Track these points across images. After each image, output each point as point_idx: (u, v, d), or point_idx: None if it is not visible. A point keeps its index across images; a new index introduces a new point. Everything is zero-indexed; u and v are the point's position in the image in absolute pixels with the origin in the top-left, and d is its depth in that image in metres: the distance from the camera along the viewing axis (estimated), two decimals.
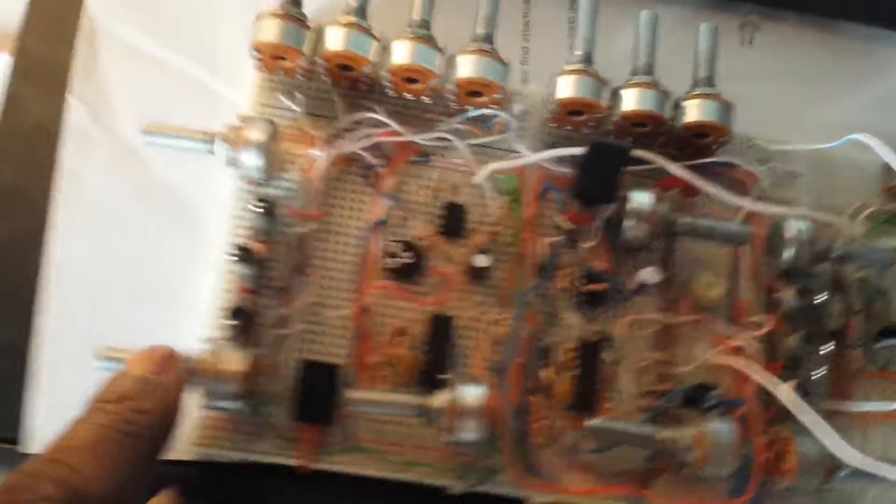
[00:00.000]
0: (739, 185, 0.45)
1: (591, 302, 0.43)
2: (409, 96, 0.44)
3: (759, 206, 0.44)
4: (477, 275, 0.42)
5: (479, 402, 0.37)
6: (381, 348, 0.41)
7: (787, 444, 0.40)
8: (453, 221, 0.43)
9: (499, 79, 0.42)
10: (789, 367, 0.42)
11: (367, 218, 0.42)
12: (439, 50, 0.42)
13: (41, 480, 0.26)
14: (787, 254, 0.42)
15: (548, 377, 0.41)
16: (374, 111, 0.42)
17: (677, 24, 0.48)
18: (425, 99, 0.44)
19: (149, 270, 0.43)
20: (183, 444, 0.38)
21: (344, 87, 0.43)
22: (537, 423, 0.40)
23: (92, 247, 0.42)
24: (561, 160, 0.43)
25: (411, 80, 0.42)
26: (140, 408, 0.30)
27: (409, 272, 0.42)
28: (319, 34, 0.41)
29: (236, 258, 0.38)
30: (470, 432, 0.37)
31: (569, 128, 0.45)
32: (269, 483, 0.40)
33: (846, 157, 0.47)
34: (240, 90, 0.44)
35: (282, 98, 0.43)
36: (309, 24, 0.41)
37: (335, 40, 0.41)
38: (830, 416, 0.42)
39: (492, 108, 0.43)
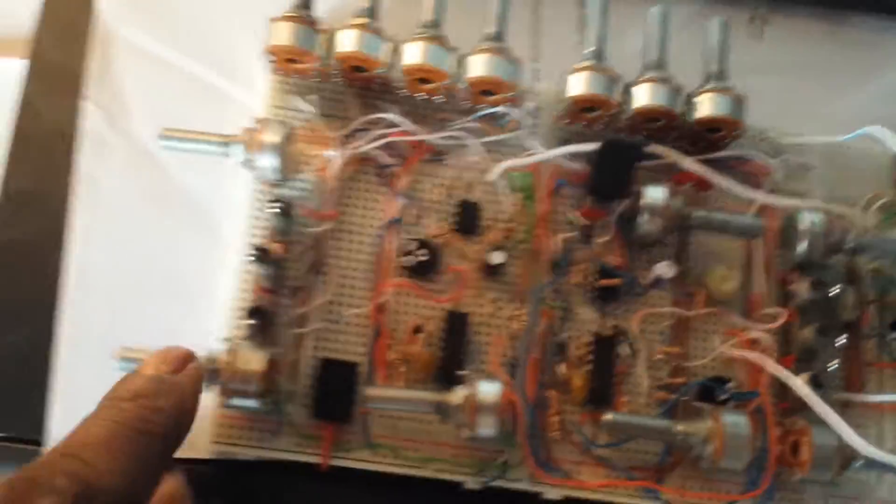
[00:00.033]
0: (752, 178, 0.45)
1: (606, 297, 0.43)
2: (421, 96, 0.43)
3: (772, 199, 0.44)
4: (492, 271, 0.42)
5: (495, 398, 0.37)
6: (398, 345, 0.41)
7: (802, 435, 0.40)
8: (468, 219, 0.43)
9: (511, 77, 0.42)
10: (803, 360, 0.42)
11: (382, 217, 0.42)
12: (451, 49, 0.41)
13: (54, 473, 0.26)
14: (801, 246, 0.42)
15: (564, 373, 0.41)
16: (388, 111, 0.42)
17: (687, 18, 0.48)
18: (438, 98, 0.43)
19: (166, 272, 0.43)
20: (201, 443, 0.38)
21: (357, 88, 0.43)
22: (553, 417, 0.40)
23: (109, 250, 0.43)
24: (574, 156, 0.43)
25: (424, 80, 0.42)
26: (155, 405, 0.30)
27: (424, 270, 0.42)
28: (332, 36, 0.41)
29: (254, 258, 0.38)
30: (487, 428, 0.37)
31: (581, 124, 0.45)
32: (287, 480, 0.40)
33: (858, 149, 0.47)
34: (253, 93, 0.45)
35: (296, 100, 0.43)
36: (321, 26, 0.41)
37: (347, 42, 0.41)
38: (845, 408, 0.43)
39: (504, 106, 0.43)
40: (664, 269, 0.41)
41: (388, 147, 0.42)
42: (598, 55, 0.43)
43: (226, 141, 0.40)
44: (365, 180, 0.43)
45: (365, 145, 0.42)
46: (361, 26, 0.41)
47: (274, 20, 0.41)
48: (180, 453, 0.37)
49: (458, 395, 0.38)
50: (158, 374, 0.32)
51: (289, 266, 0.41)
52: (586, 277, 0.43)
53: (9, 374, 0.41)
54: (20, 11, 0.46)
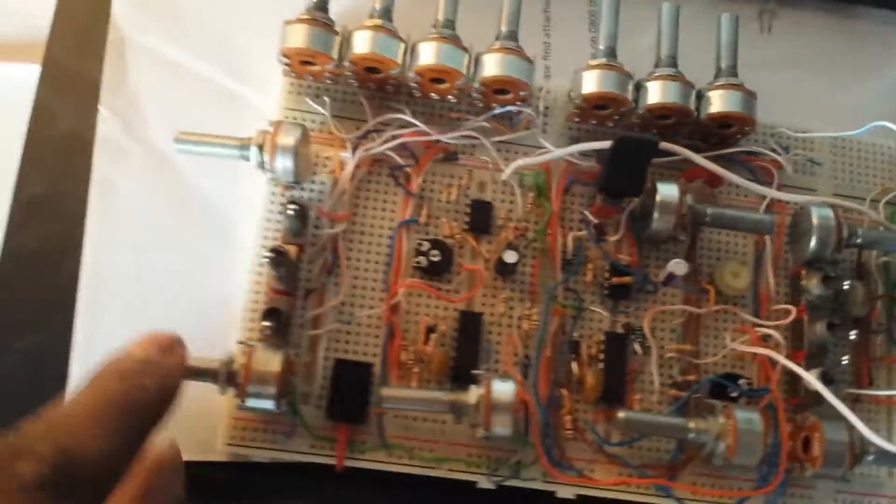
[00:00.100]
0: (764, 173, 0.45)
1: (617, 295, 0.42)
2: (435, 96, 0.43)
3: (783, 195, 0.43)
4: (505, 270, 0.42)
5: (510, 397, 0.37)
6: (412, 346, 0.40)
7: (813, 431, 0.39)
8: (480, 218, 0.42)
9: (524, 76, 0.41)
10: (814, 356, 0.42)
11: (396, 217, 0.42)
12: (465, 49, 0.41)
13: (36, 440, 0.26)
14: (812, 241, 0.42)
15: (577, 371, 0.41)
16: (401, 112, 0.42)
17: (695, 13, 0.47)
18: (451, 98, 0.43)
19: (181, 275, 0.42)
20: (217, 444, 0.38)
21: (371, 90, 0.43)
22: (566, 416, 0.40)
23: (125, 253, 0.42)
24: (585, 154, 0.43)
25: (437, 81, 0.42)
26: (140, 384, 0.30)
27: (437, 270, 0.41)
28: (346, 38, 0.41)
29: (270, 260, 0.38)
30: (502, 427, 0.37)
31: (593, 122, 0.44)
32: (302, 482, 0.39)
33: (867, 143, 0.47)
34: (267, 95, 0.44)
35: (310, 102, 0.42)
36: (335, 28, 0.41)
37: (363, 43, 0.40)
38: (855, 402, 0.42)
39: (517, 104, 0.42)
40: (677, 266, 0.41)
41: (401, 148, 0.42)
42: (611, 52, 0.43)
43: (240, 144, 0.39)
44: (378, 181, 0.42)
45: (378, 146, 0.42)
46: (376, 27, 0.40)
47: (289, 23, 0.40)
48: (195, 456, 0.37)
49: (472, 394, 0.37)
50: (146, 355, 0.31)
51: (304, 267, 0.40)
52: (598, 275, 0.42)
53: (25, 379, 0.40)
54: (34, 16, 0.45)
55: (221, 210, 0.44)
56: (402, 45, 0.41)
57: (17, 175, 0.43)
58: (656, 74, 0.43)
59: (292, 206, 0.39)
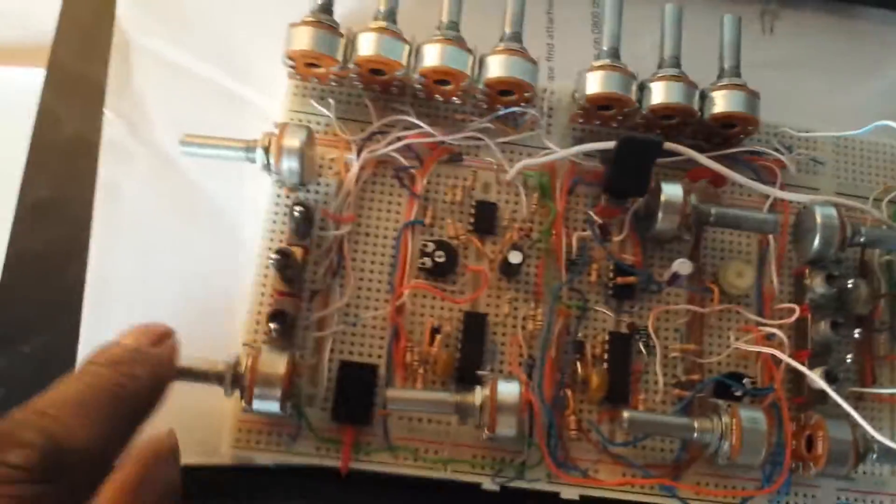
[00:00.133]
0: (767, 172, 0.44)
1: (621, 295, 0.42)
2: (439, 98, 0.43)
3: (786, 194, 0.43)
4: (509, 271, 0.41)
5: (515, 398, 0.36)
6: (417, 347, 0.40)
7: (817, 430, 0.39)
8: (485, 219, 0.42)
9: (528, 77, 0.41)
10: (818, 354, 0.41)
11: (401, 219, 0.42)
12: (469, 51, 0.41)
13: (25, 427, 0.26)
14: (816, 240, 0.41)
15: (581, 371, 0.40)
16: (406, 113, 0.42)
17: (698, 13, 0.47)
18: (455, 99, 0.43)
19: (187, 278, 0.42)
20: (222, 447, 0.38)
21: (375, 91, 0.43)
22: (570, 417, 0.40)
23: (130, 256, 0.42)
24: (589, 155, 0.43)
25: (442, 82, 0.41)
26: (131, 373, 0.30)
27: (442, 271, 0.41)
28: (351, 40, 0.40)
29: (275, 262, 0.38)
30: (508, 428, 0.36)
31: (597, 123, 0.44)
32: (307, 484, 0.39)
33: (869, 142, 0.47)
34: (272, 98, 0.44)
35: (315, 104, 0.42)
36: (340, 30, 0.40)
37: (367, 45, 0.40)
38: (858, 400, 0.42)
39: (521, 106, 0.42)
40: (681, 266, 0.40)
41: (405, 149, 0.42)
42: (614, 53, 0.42)
43: (246, 146, 0.39)
44: (383, 183, 0.42)
45: (383, 148, 0.41)
46: (381, 29, 0.40)
47: (294, 25, 0.40)
48: (200, 459, 0.37)
49: (477, 395, 0.37)
50: (137, 345, 0.31)
51: (309, 269, 0.40)
52: (602, 275, 0.42)
53: (32, 381, 0.39)
54: (39, 19, 0.45)
55: (227, 212, 0.43)
56: (407, 47, 0.40)
57: (22, 178, 0.43)
58: (660, 75, 0.42)
59: (298, 208, 0.39)
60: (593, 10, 0.50)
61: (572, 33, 0.49)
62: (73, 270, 0.41)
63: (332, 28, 0.40)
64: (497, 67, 0.40)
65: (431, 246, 0.41)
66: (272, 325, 0.38)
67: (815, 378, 0.39)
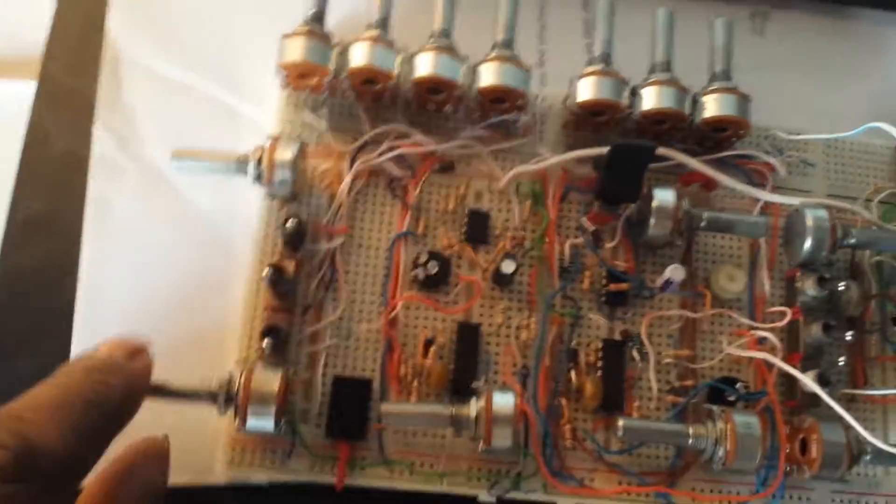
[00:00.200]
0: (758, 175, 0.44)
1: (614, 302, 0.41)
2: (431, 107, 0.42)
3: (777, 197, 0.43)
4: (502, 281, 0.40)
5: (511, 410, 0.36)
6: (411, 359, 0.39)
7: (810, 433, 0.38)
8: (478, 228, 0.41)
9: (521, 85, 0.40)
10: (810, 357, 0.41)
11: (393, 229, 0.41)
12: (461, 59, 0.40)
13: None
14: (807, 243, 0.41)
15: (576, 380, 0.40)
16: (398, 123, 0.41)
17: (688, 16, 0.46)
18: (448, 108, 0.42)
19: (179, 293, 0.41)
20: (216, 467, 0.37)
21: (367, 101, 0.42)
22: (565, 426, 0.39)
23: (123, 271, 0.41)
24: (581, 161, 0.42)
25: (435, 91, 0.40)
26: (104, 380, 0.30)
27: (435, 281, 0.40)
28: (343, 50, 0.40)
29: (268, 278, 0.37)
30: (503, 439, 0.36)
31: (589, 129, 0.43)
32: (304, 502, 0.38)
33: (859, 143, 0.46)
34: (263, 109, 0.43)
35: (307, 115, 0.41)
36: (333, 40, 0.40)
37: (360, 56, 0.39)
38: (850, 402, 0.41)
39: (514, 113, 0.41)
40: (674, 272, 0.40)
41: (398, 159, 0.41)
42: (605, 59, 0.42)
43: (238, 160, 0.38)
44: (375, 193, 0.42)
45: (375, 158, 0.41)
46: (373, 39, 0.39)
47: (286, 36, 0.39)
48: (195, 479, 0.36)
49: (472, 407, 0.36)
50: (112, 356, 0.31)
51: (302, 283, 0.39)
52: (595, 283, 0.41)
53: None
54: (29, 33, 0.44)
55: (218, 226, 0.42)
56: (399, 57, 0.40)
57: (13, 194, 0.42)
58: (651, 80, 0.42)
59: (290, 221, 0.38)
60: (585, 16, 0.49)
61: (564, 39, 0.48)
62: (65, 286, 0.41)
63: (325, 38, 0.39)
64: (489, 76, 0.40)
65: (425, 256, 0.40)
66: (265, 341, 0.37)
67: (808, 382, 0.39)
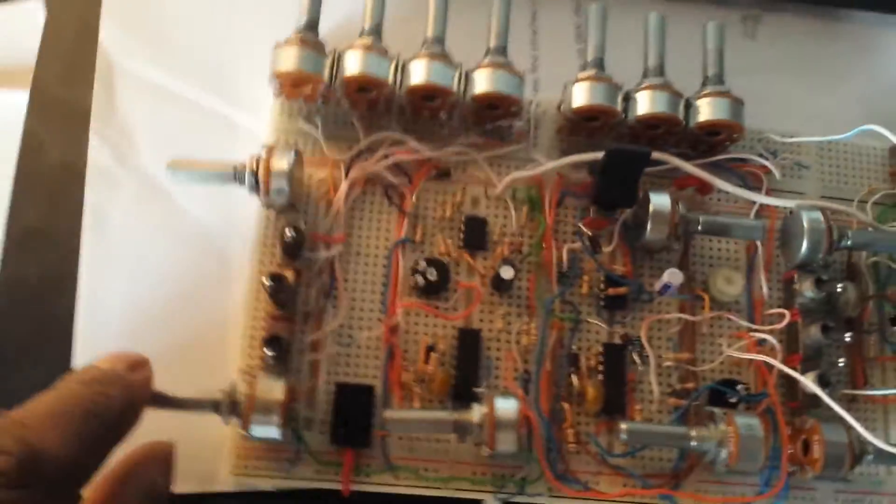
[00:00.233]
0: (753, 178, 0.44)
1: (613, 306, 0.41)
2: (426, 114, 0.42)
3: (771, 199, 0.43)
4: (501, 286, 0.40)
5: (513, 414, 0.35)
6: (413, 366, 0.39)
7: (812, 434, 0.38)
8: (475, 235, 0.41)
9: (514, 91, 0.40)
10: (810, 358, 0.41)
11: (391, 237, 0.41)
12: (455, 66, 0.40)
13: (2, 435, 0.26)
14: (804, 245, 0.41)
15: (577, 384, 0.39)
16: (393, 130, 0.41)
17: (679, 20, 0.46)
18: (442, 115, 0.42)
19: (178, 304, 0.41)
20: (221, 475, 0.37)
21: (362, 109, 0.42)
22: (568, 430, 0.39)
23: (122, 282, 0.41)
24: (577, 166, 0.42)
25: (429, 98, 0.40)
26: (105, 392, 0.30)
27: (434, 288, 0.40)
28: (337, 58, 0.39)
29: (269, 288, 0.37)
30: (507, 444, 0.35)
31: (584, 134, 0.43)
32: None
33: (853, 144, 0.46)
34: (258, 118, 0.43)
35: (301, 123, 0.41)
36: (327, 48, 0.40)
37: (354, 64, 0.39)
38: (851, 402, 0.41)
39: (508, 119, 0.41)
40: (672, 276, 0.40)
41: (394, 166, 0.41)
42: (598, 64, 0.42)
43: (234, 169, 0.38)
44: (372, 201, 0.41)
45: (371, 165, 0.40)
46: (366, 47, 0.39)
47: (280, 45, 0.39)
48: (200, 487, 0.36)
49: (475, 413, 0.36)
50: (112, 368, 0.31)
51: (301, 292, 0.39)
52: (593, 287, 0.41)
53: None
54: (21, 42, 0.44)
55: (215, 236, 0.42)
56: (393, 64, 0.39)
57: (9, 207, 0.42)
58: (645, 85, 0.42)
59: (289, 230, 0.38)
60: (577, 22, 0.49)
61: (556, 45, 0.48)
62: (64, 298, 0.40)
63: (318, 47, 0.39)
64: (483, 83, 0.39)
65: (423, 263, 0.40)
66: (268, 352, 0.37)
67: (808, 383, 0.38)
